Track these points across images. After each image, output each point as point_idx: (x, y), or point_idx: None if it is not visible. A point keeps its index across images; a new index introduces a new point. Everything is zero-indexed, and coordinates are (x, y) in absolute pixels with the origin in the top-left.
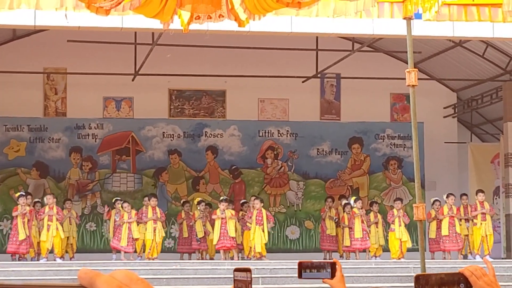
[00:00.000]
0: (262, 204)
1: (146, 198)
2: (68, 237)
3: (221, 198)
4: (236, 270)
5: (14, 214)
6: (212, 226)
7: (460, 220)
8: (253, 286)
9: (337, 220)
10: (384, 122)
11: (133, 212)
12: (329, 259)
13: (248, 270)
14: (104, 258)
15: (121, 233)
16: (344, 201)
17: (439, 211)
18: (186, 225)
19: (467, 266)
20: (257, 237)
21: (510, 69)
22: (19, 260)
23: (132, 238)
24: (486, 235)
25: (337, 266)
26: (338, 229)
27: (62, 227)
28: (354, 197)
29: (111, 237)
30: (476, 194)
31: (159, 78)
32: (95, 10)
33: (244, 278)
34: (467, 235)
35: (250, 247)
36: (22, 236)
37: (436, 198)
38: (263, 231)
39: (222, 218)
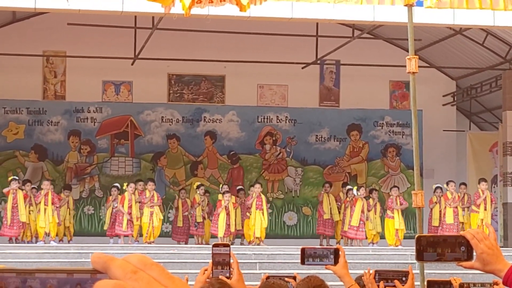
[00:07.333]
0: (261, 189)
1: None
2: (64, 221)
3: (223, 190)
4: (214, 245)
5: (8, 194)
6: (209, 215)
7: (463, 209)
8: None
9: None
10: (383, 110)
11: (133, 197)
12: (327, 245)
13: (227, 245)
14: (101, 241)
15: (122, 218)
16: (347, 187)
17: (442, 196)
18: (182, 214)
19: (468, 229)
20: (258, 222)
21: (510, 57)
22: (16, 242)
23: (132, 222)
24: (483, 224)
25: (340, 253)
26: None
27: (59, 211)
28: (355, 187)
29: (107, 224)
30: (479, 183)
31: (158, 62)
32: None
33: (223, 252)
34: (463, 223)
35: (250, 235)
36: (9, 222)
37: (438, 185)
38: (263, 215)
39: (226, 212)
